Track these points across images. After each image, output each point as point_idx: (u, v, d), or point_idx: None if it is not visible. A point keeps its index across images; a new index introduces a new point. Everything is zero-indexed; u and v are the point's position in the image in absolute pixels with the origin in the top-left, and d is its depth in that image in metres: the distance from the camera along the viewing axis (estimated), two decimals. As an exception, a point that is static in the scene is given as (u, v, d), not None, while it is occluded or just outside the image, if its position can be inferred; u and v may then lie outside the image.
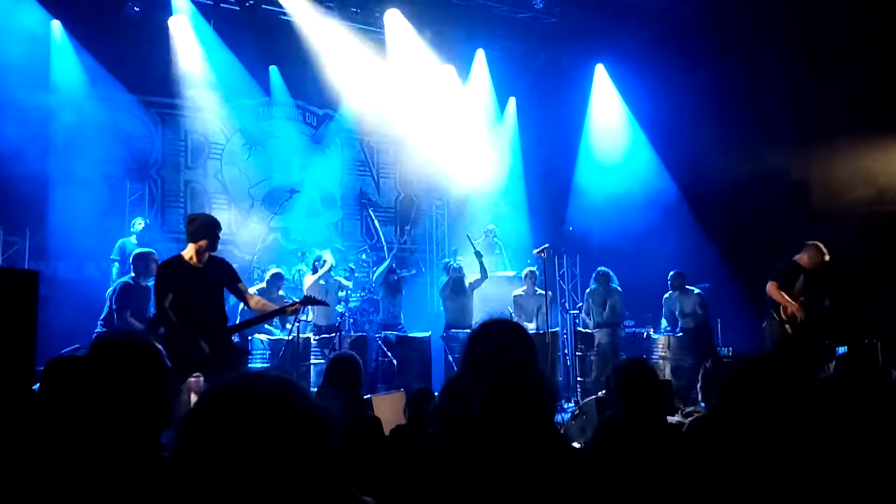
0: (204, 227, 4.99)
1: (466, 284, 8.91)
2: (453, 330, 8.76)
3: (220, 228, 5.10)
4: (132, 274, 7.00)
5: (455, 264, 9.01)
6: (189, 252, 4.99)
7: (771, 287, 7.04)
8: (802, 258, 7.10)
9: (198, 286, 4.92)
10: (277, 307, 5.57)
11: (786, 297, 6.97)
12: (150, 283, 7.08)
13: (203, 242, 4.96)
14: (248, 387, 1.19)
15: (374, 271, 9.54)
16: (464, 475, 1.91)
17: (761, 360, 1.67)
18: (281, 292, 8.47)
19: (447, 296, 8.91)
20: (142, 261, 6.91)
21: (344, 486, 1.27)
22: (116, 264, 8.00)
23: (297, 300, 5.70)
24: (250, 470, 1.11)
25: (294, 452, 1.14)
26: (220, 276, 5.10)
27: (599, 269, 9.20)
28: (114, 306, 6.84)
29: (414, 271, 10.62)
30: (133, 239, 8.17)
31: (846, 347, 6.73)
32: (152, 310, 6.96)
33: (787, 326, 6.87)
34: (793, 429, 1.48)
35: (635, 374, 2.89)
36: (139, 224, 8.39)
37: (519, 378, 2.04)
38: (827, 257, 7.02)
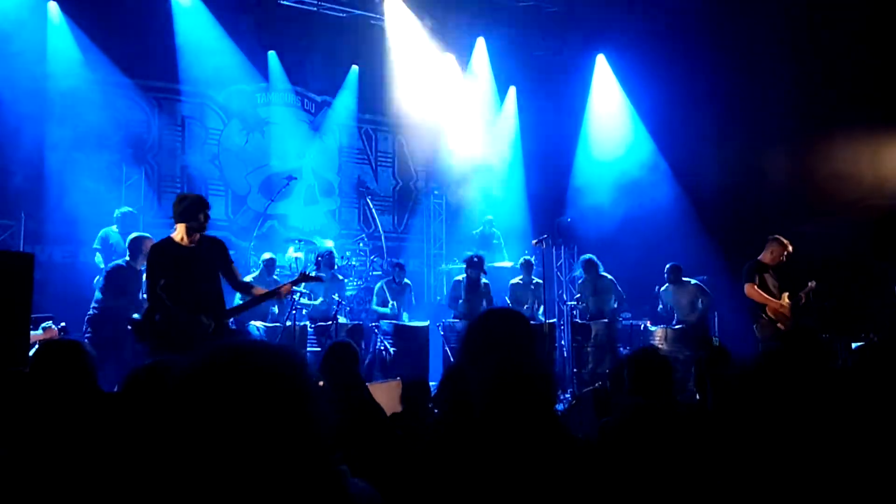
0: (192, 206, 4.83)
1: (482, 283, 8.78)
2: (450, 320, 8.73)
3: (208, 208, 4.93)
4: (127, 257, 6.93)
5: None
6: (179, 233, 4.84)
7: (749, 289, 7.02)
8: (766, 256, 7.09)
9: (192, 267, 4.77)
10: (269, 290, 5.37)
11: (766, 295, 6.94)
12: (144, 267, 7.05)
13: (191, 223, 4.81)
14: (250, 351, 1.18)
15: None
16: (464, 463, 1.89)
17: (773, 353, 1.66)
18: (276, 277, 8.42)
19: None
20: (137, 244, 6.81)
21: (335, 463, 1.25)
22: (99, 254, 7.80)
23: (291, 280, 5.54)
24: (240, 431, 1.10)
25: (284, 420, 1.13)
26: (213, 254, 4.93)
27: (584, 257, 9.14)
28: (103, 287, 6.74)
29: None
30: (115, 227, 7.95)
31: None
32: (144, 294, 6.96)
33: (778, 325, 6.85)
34: (806, 419, 1.46)
35: (650, 364, 2.91)
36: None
37: (520, 366, 2.01)
38: (790, 248, 7.01)
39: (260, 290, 5.33)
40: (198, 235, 4.86)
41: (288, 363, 1.17)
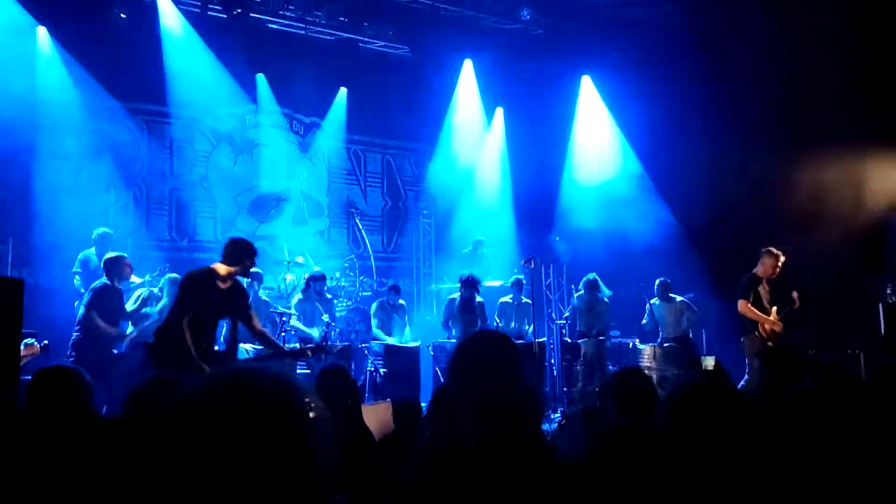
0: (242, 253, 4.98)
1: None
2: (440, 340, 8.73)
3: (256, 256, 5.11)
4: (105, 279, 6.89)
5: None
6: (223, 272, 4.93)
7: (742, 305, 7.10)
8: (759, 269, 7.19)
9: (220, 310, 4.93)
10: (285, 350, 5.73)
11: (758, 312, 7.01)
12: (124, 286, 7.03)
13: (237, 268, 4.95)
14: (246, 378, 1.18)
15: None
16: (452, 486, 1.91)
17: (702, 384, 1.71)
18: (264, 295, 8.35)
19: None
20: (116, 264, 6.80)
21: (325, 494, 1.25)
22: (78, 277, 7.72)
23: (312, 346, 6.01)
24: (233, 458, 1.08)
25: (278, 449, 1.11)
26: (239, 300, 5.09)
27: (588, 276, 9.22)
28: (89, 306, 6.70)
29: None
30: (93, 250, 7.87)
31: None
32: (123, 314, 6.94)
33: (768, 343, 6.91)
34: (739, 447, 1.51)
35: (634, 384, 2.92)
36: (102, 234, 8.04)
37: (507, 389, 2.04)
38: (782, 259, 7.11)
39: (275, 344, 5.53)
40: (231, 281, 4.96)
41: (292, 391, 1.19)
